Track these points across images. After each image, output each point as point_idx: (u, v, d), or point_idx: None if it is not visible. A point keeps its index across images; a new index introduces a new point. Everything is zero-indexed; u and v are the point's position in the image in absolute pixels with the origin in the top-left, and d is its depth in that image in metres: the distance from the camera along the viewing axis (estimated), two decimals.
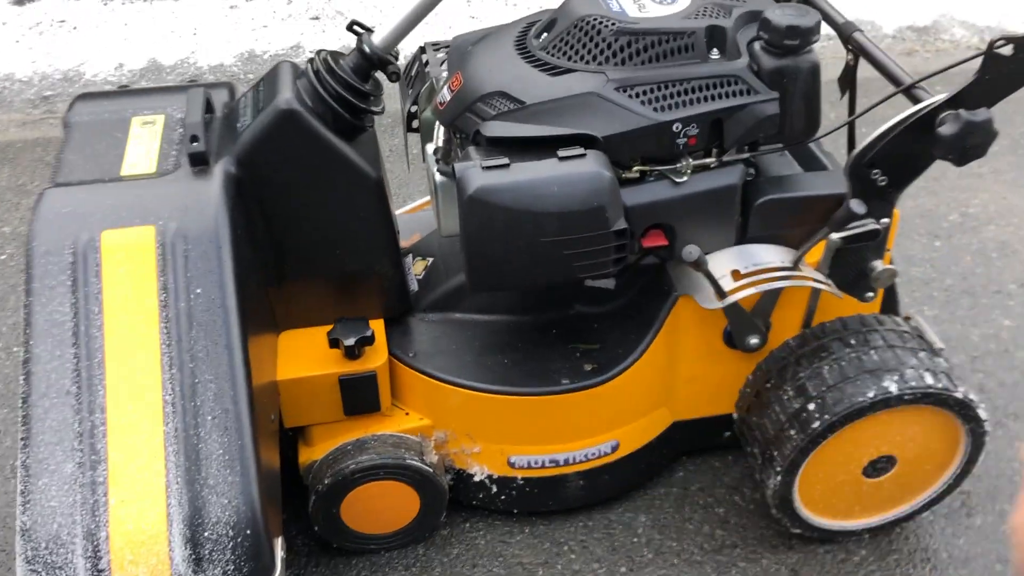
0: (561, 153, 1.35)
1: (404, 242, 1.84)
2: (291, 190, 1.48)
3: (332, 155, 1.45)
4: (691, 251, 1.44)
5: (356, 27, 1.54)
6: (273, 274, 1.56)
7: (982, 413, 1.55)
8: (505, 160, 1.35)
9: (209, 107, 1.56)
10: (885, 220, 1.53)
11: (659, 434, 1.75)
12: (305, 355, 1.58)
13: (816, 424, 1.49)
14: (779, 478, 1.56)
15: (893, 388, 1.47)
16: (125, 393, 1.25)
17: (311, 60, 1.51)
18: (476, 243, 1.38)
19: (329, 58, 1.50)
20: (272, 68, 1.58)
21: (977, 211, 2.60)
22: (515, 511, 1.78)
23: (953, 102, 1.37)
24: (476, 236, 1.37)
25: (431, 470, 1.61)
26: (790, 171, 1.62)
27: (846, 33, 1.59)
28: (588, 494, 1.76)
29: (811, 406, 1.51)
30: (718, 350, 1.66)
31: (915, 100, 1.45)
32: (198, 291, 1.31)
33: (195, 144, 1.43)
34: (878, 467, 1.62)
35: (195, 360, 1.28)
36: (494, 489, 1.71)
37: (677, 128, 1.40)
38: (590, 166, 1.35)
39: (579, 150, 1.36)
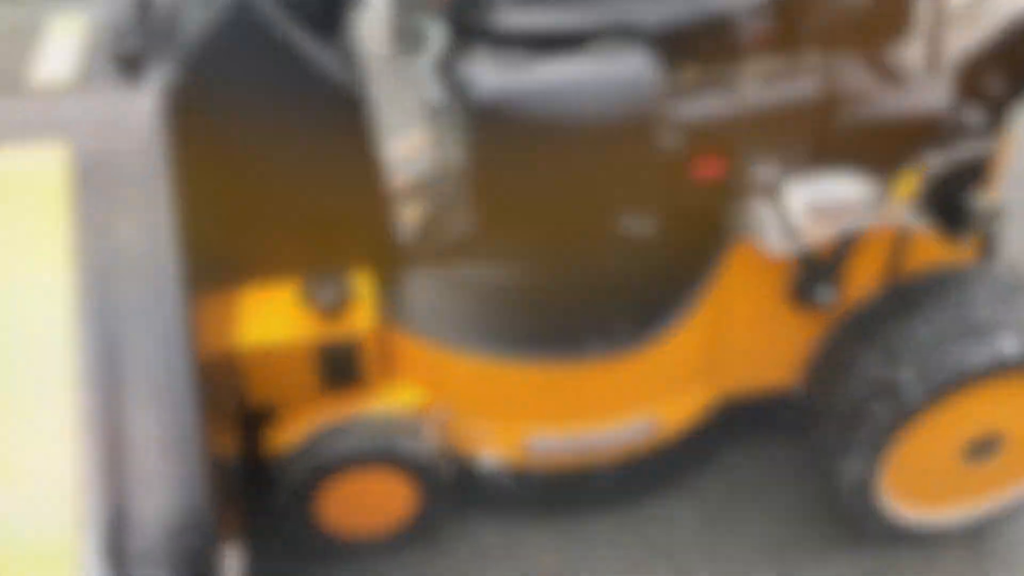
0: (594, 47, 1.05)
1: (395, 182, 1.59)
2: (247, 105, 1.16)
3: (298, 60, 1.13)
4: (766, 173, 1.15)
5: None
6: (229, 213, 1.25)
7: None
8: (522, 57, 1.06)
9: (146, 5, 1.29)
10: (994, 144, 1.27)
11: (705, 413, 1.44)
12: (272, 316, 1.27)
13: (912, 396, 1.19)
14: (860, 464, 1.27)
15: (1011, 348, 1.17)
16: (25, 360, 0.93)
17: None
18: (487, 166, 1.08)
19: None
20: None
21: None
22: (533, 507, 1.48)
23: None
24: (487, 156, 1.07)
25: (430, 456, 1.30)
26: (870, 83, 1.37)
27: None
28: (621, 486, 1.45)
29: (905, 374, 1.20)
30: (781, 308, 1.35)
31: None
32: (125, 229, 1.00)
33: (126, 45, 1.12)
34: (980, 449, 1.31)
35: (120, 318, 0.97)
36: (507, 481, 1.40)
37: (741, 17, 1.13)
38: (633, 65, 1.04)
39: (617, 42, 1.05)
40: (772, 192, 1.15)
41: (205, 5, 1.15)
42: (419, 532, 1.41)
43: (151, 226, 1.01)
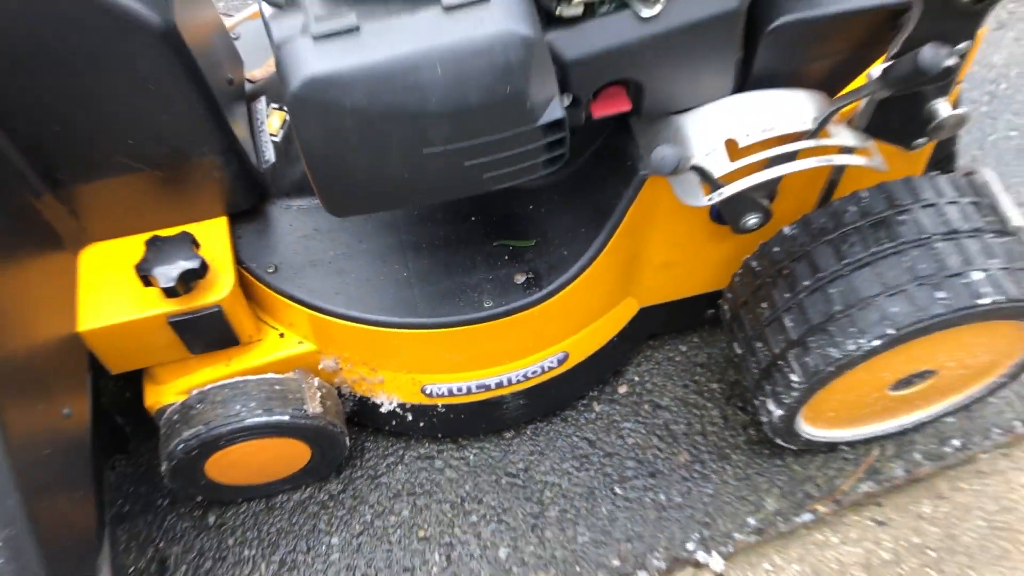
0: None
1: (254, 72, 1.26)
2: (25, 71, 0.91)
3: (81, 3, 0.86)
4: (663, 158, 0.90)
5: None
6: (38, 179, 1.02)
7: None
8: (352, 20, 0.78)
9: None
10: (964, 45, 1.05)
11: (622, 329, 1.33)
12: (114, 287, 1.08)
13: (823, 362, 1.05)
14: (780, 411, 1.16)
15: (958, 302, 1.00)
16: None
17: None
18: (319, 160, 0.86)
19: None
20: None
21: None
22: (439, 436, 1.40)
23: None
24: (317, 150, 0.84)
25: (319, 423, 1.18)
26: None
27: None
28: (530, 411, 1.36)
29: (830, 329, 1.05)
30: (704, 230, 1.19)
31: None
32: None
33: None
34: (907, 382, 1.21)
35: None
36: (409, 417, 1.31)
37: None
38: (495, 21, 0.78)
39: None
40: (682, 167, 0.94)
41: None
42: (316, 476, 1.35)
43: None
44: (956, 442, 1.35)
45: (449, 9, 0.79)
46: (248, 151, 1.15)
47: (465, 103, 0.81)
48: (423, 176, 0.88)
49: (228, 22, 1.38)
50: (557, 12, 0.88)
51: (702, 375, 1.44)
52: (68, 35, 0.90)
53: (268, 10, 0.89)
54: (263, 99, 1.25)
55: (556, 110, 0.86)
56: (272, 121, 1.23)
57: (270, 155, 1.20)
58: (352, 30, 0.79)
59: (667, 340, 1.47)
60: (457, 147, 0.85)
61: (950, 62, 0.94)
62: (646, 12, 0.89)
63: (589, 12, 0.89)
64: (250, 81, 1.29)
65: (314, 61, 0.78)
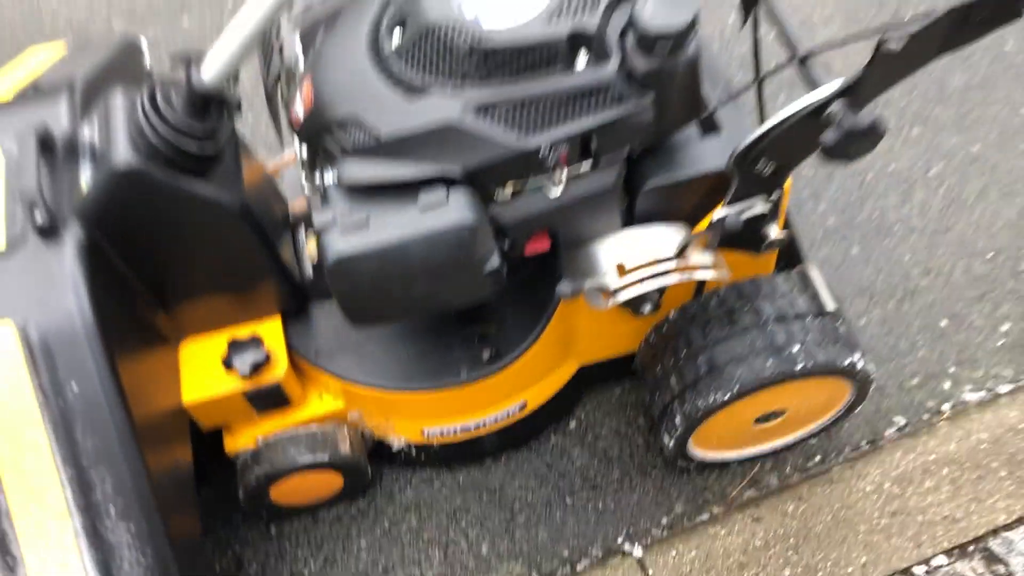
0: (422, 200, 1.26)
1: (294, 205, 1.76)
2: (151, 240, 1.40)
3: (188, 199, 1.35)
4: (562, 291, 1.41)
5: (181, 59, 1.33)
6: (157, 302, 1.53)
7: (870, 369, 1.57)
8: (364, 217, 1.27)
9: (47, 142, 1.42)
10: (776, 194, 1.47)
11: (566, 382, 1.81)
12: (206, 372, 1.58)
13: (706, 403, 1.52)
14: (672, 442, 1.64)
15: (781, 367, 1.48)
16: (25, 497, 1.27)
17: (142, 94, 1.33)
18: (344, 299, 1.34)
19: (159, 97, 1.31)
20: (99, 76, 1.44)
21: None
22: (434, 465, 1.89)
23: (843, 94, 1.26)
24: (344, 294, 1.33)
25: (348, 459, 1.67)
26: (682, 135, 1.52)
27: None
28: (502, 444, 1.86)
29: (698, 386, 1.53)
30: (617, 313, 1.64)
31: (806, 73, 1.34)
32: (75, 389, 1.29)
33: (38, 213, 1.31)
34: (766, 417, 1.69)
35: (87, 457, 1.29)
36: (414, 452, 1.82)
37: (544, 152, 1.30)
38: (452, 216, 1.25)
39: (440, 193, 1.26)
40: (576, 292, 1.41)
41: (93, 157, 1.34)
42: (347, 497, 1.85)
43: (95, 383, 1.29)
44: (818, 457, 1.84)
45: (423, 210, 1.27)
46: (293, 270, 1.62)
47: (435, 265, 1.29)
48: (410, 304, 1.37)
49: (270, 163, 1.84)
50: (495, 197, 1.35)
51: (631, 412, 1.93)
52: (174, 215, 1.39)
53: (307, 186, 1.35)
54: (302, 227, 1.71)
55: (495, 261, 1.34)
56: (310, 244, 1.69)
57: (309, 271, 1.68)
58: (364, 225, 1.25)
59: (605, 386, 1.96)
60: (431, 288, 1.33)
61: (761, 209, 1.38)
62: (553, 193, 1.37)
63: (516, 194, 1.37)
64: (292, 213, 1.75)
65: (341, 245, 1.26)
